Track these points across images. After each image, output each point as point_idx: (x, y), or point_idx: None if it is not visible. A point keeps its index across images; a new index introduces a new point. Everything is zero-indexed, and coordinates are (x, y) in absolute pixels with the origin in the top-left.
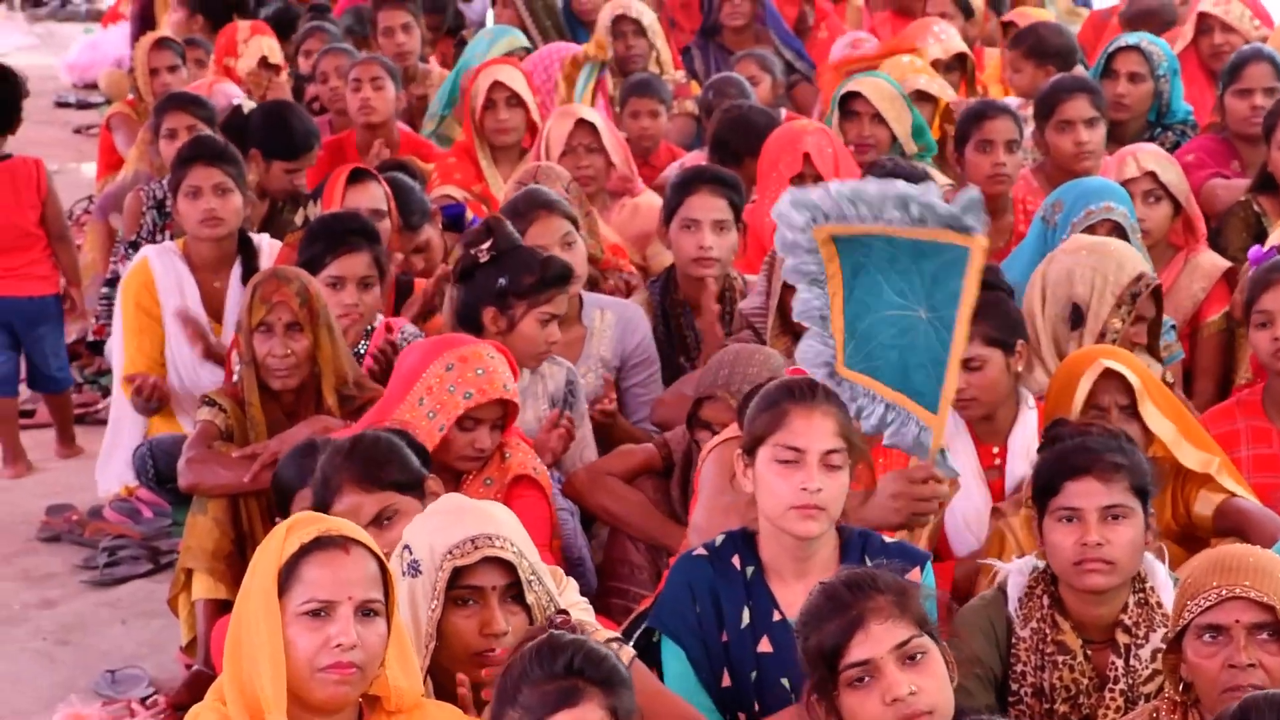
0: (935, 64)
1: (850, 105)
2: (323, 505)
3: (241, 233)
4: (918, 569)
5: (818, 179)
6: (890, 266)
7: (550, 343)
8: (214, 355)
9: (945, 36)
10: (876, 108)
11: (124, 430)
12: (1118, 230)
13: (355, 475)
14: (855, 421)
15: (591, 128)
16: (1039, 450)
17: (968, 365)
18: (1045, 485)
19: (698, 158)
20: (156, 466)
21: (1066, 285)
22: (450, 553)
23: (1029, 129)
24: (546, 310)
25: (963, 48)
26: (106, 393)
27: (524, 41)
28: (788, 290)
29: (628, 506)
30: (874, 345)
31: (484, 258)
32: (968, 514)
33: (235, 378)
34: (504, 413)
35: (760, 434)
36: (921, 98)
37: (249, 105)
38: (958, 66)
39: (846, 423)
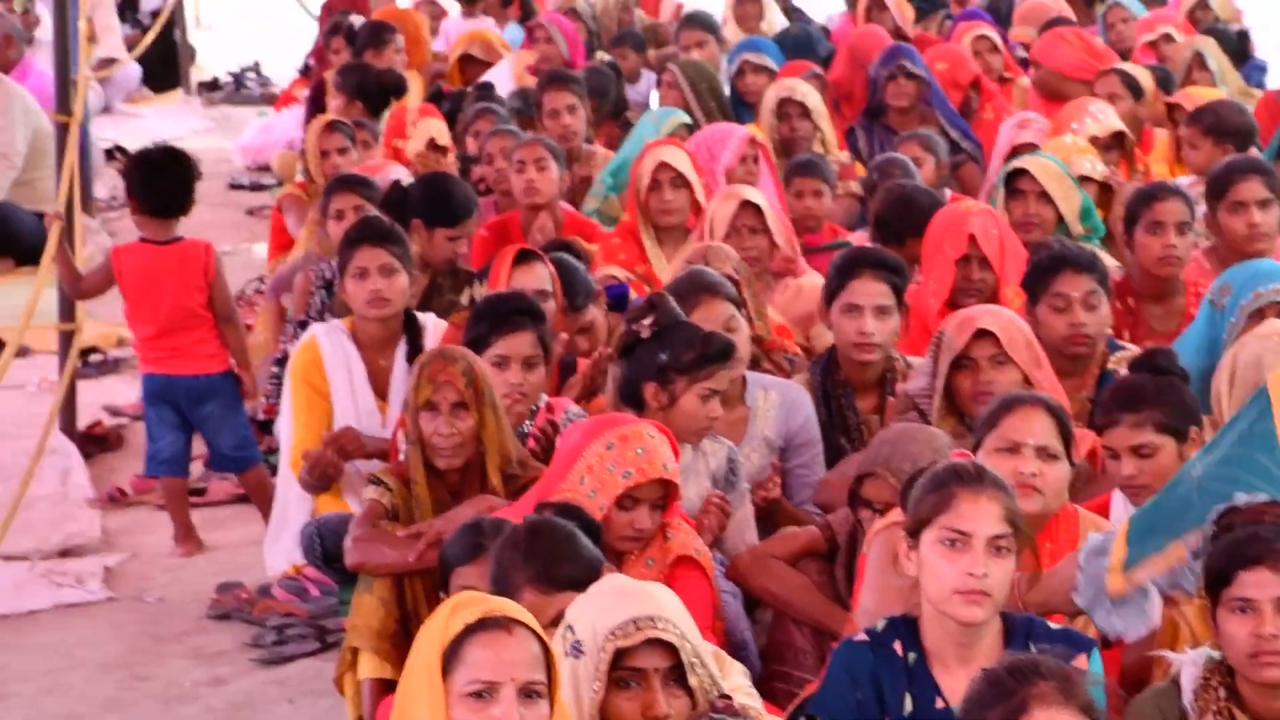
0: (1093, 142)
1: (1016, 184)
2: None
3: (407, 312)
4: (1084, 655)
5: (983, 261)
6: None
7: (712, 419)
8: (376, 454)
9: (1103, 116)
10: (1043, 186)
11: (292, 509)
12: None
13: (534, 576)
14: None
15: (756, 209)
16: (1214, 536)
17: (1139, 452)
18: (1218, 574)
19: (861, 238)
20: (324, 545)
21: (1256, 370)
22: (613, 634)
23: (1200, 209)
24: (708, 386)
25: (1120, 126)
26: (275, 471)
27: (687, 120)
28: (955, 371)
29: (792, 589)
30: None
31: (646, 333)
32: None
33: (401, 456)
34: (665, 493)
35: (925, 516)
36: (1086, 181)
37: (408, 179)
38: (1116, 146)
39: (1013, 507)
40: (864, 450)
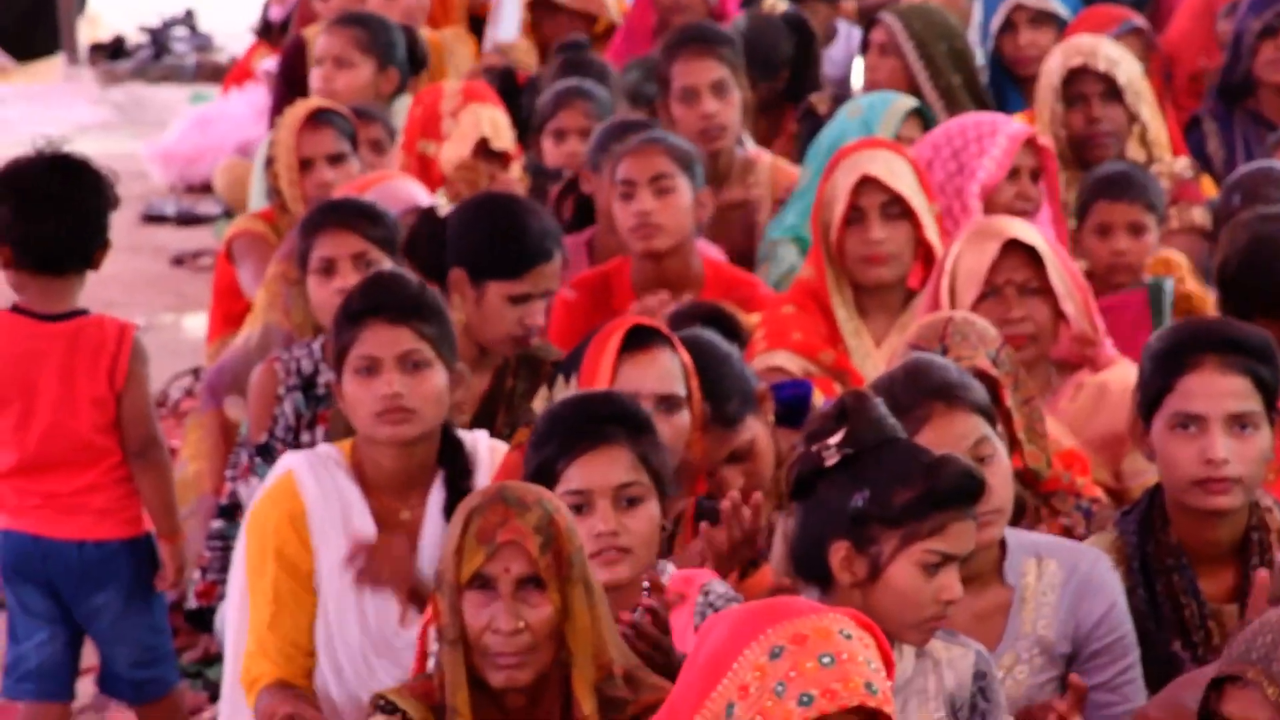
0: None
1: None
2: None
3: (446, 430)
4: None
5: None
6: None
7: (945, 603)
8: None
9: None
10: None
11: None
12: None
13: None
14: None
15: (1031, 256)
16: None
17: None
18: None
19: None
20: None
21: None
22: None
23: None
24: (937, 549)
25: None
26: (215, 695)
27: (914, 104)
28: None
29: None
30: None
31: (833, 459)
32: None
33: (430, 667)
34: None
35: None
36: None
37: (445, 206)
38: None
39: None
40: (1226, 648)
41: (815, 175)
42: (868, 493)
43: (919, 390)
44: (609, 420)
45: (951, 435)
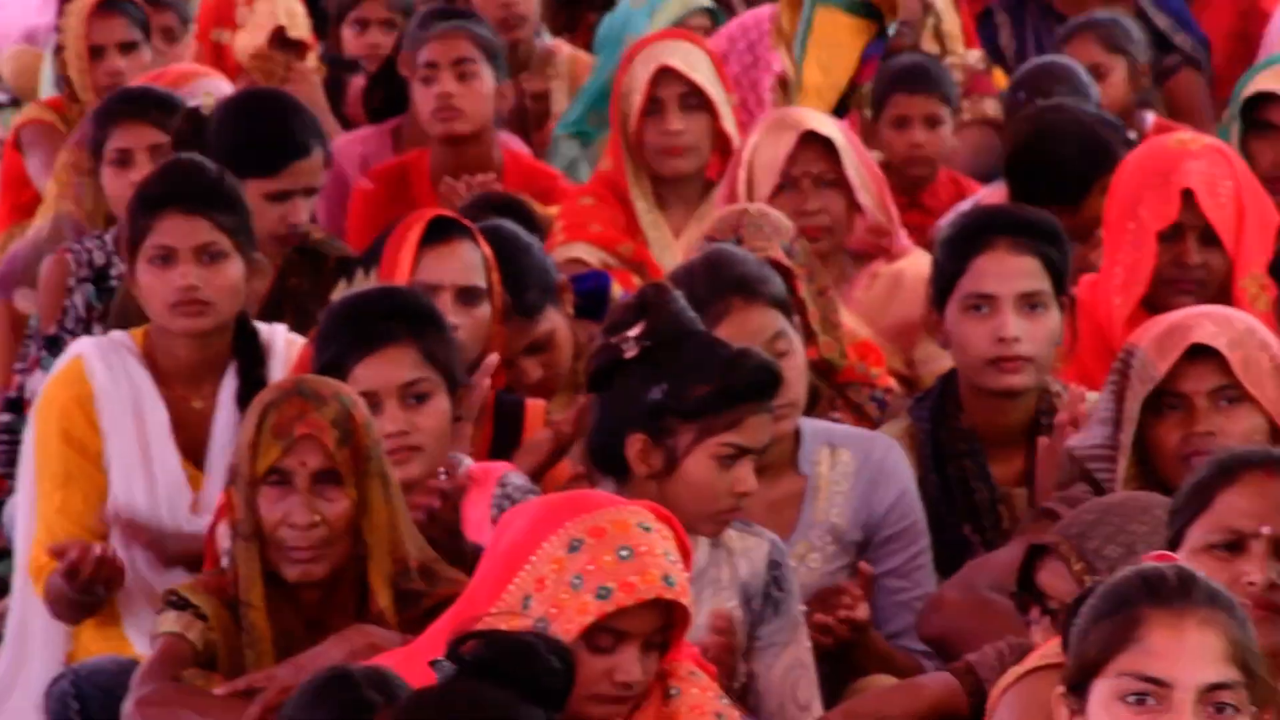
0: None
1: (1262, 112)
2: None
3: (241, 321)
4: None
5: (1205, 234)
6: None
7: (740, 495)
8: (180, 558)
9: None
10: None
11: (31, 649)
12: None
13: None
14: None
15: (825, 147)
16: None
17: None
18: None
19: (998, 194)
20: (86, 711)
21: None
22: None
23: None
24: (732, 441)
25: None
26: (5, 589)
27: (706, 1)
28: (1155, 415)
29: None
30: None
31: (632, 352)
32: None
33: (224, 562)
34: (666, 622)
35: (1097, 658)
36: None
37: (210, 104)
38: None
39: (1245, 641)
40: (1060, 525)
41: (604, 67)
42: (665, 386)
43: (717, 284)
44: (391, 317)
45: (749, 329)
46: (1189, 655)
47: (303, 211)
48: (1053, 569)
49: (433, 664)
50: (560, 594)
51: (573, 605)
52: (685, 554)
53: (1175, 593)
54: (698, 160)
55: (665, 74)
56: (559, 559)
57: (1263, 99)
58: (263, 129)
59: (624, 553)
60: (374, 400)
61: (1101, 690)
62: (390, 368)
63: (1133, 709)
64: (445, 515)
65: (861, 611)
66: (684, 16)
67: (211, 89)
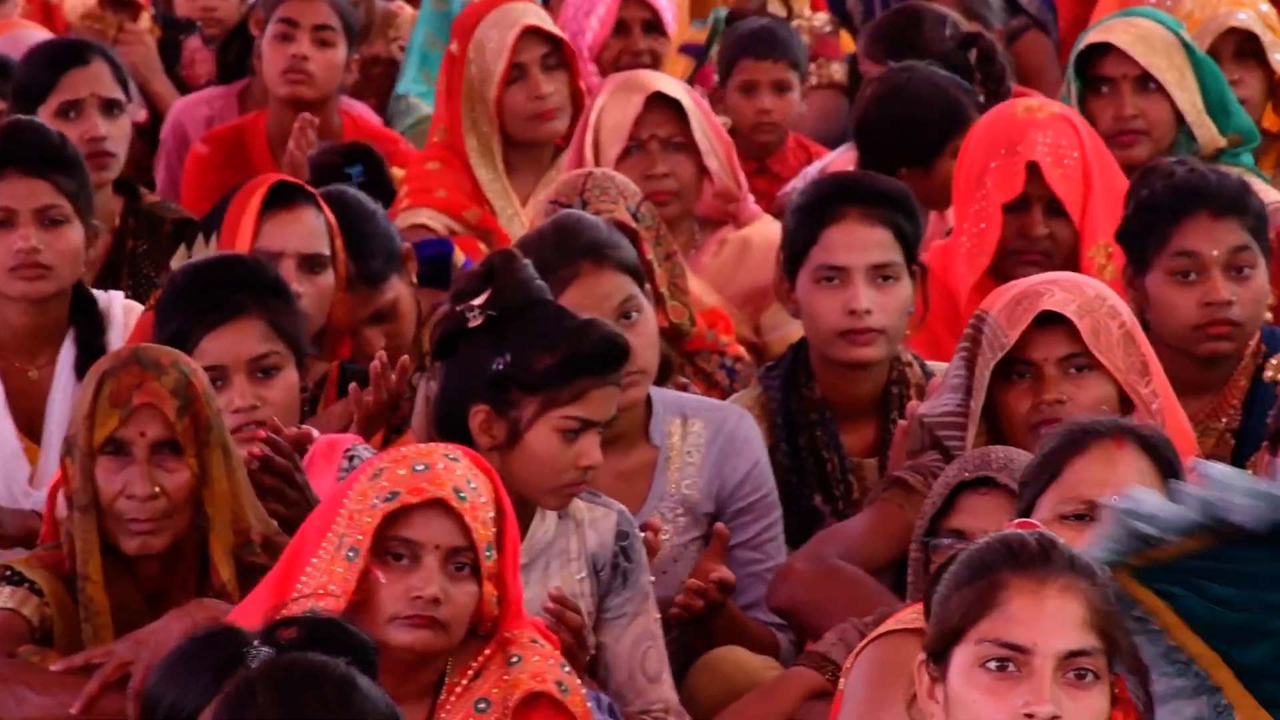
0: None
1: (1097, 68)
2: None
3: (78, 288)
4: None
5: (1052, 204)
6: None
7: (582, 467)
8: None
9: None
10: (1144, 67)
11: None
12: None
13: None
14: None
15: (674, 109)
16: None
17: None
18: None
19: (847, 159)
20: None
21: None
22: None
23: None
24: (574, 414)
25: None
26: None
27: None
28: (1004, 383)
29: None
30: (1266, 619)
31: (476, 320)
32: None
33: (62, 534)
34: (473, 559)
35: (958, 623)
36: (1245, 52)
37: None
38: None
39: (1105, 608)
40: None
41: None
42: (509, 356)
43: (566, 248)
44: (238, 289)
45: (599, 294)
46: (1049, 622)
47: (100, 125)
48: (981, 504)
49: (245, 651)
50: (362, 519)
51: (364, 515)
52: (505, 511)
53: (1036, 559)
54: (566, 120)
55: (529, 35)
56: (364, 490)
57: (1097, 53)
58: (40, 48)
59: (420, 467)
60: (221, 374)
61: (962, 657)
62: (239, 341)
63: (993, 675)
64: (280, 466)
65: (725, 571)
66: None
67: (29, 40)
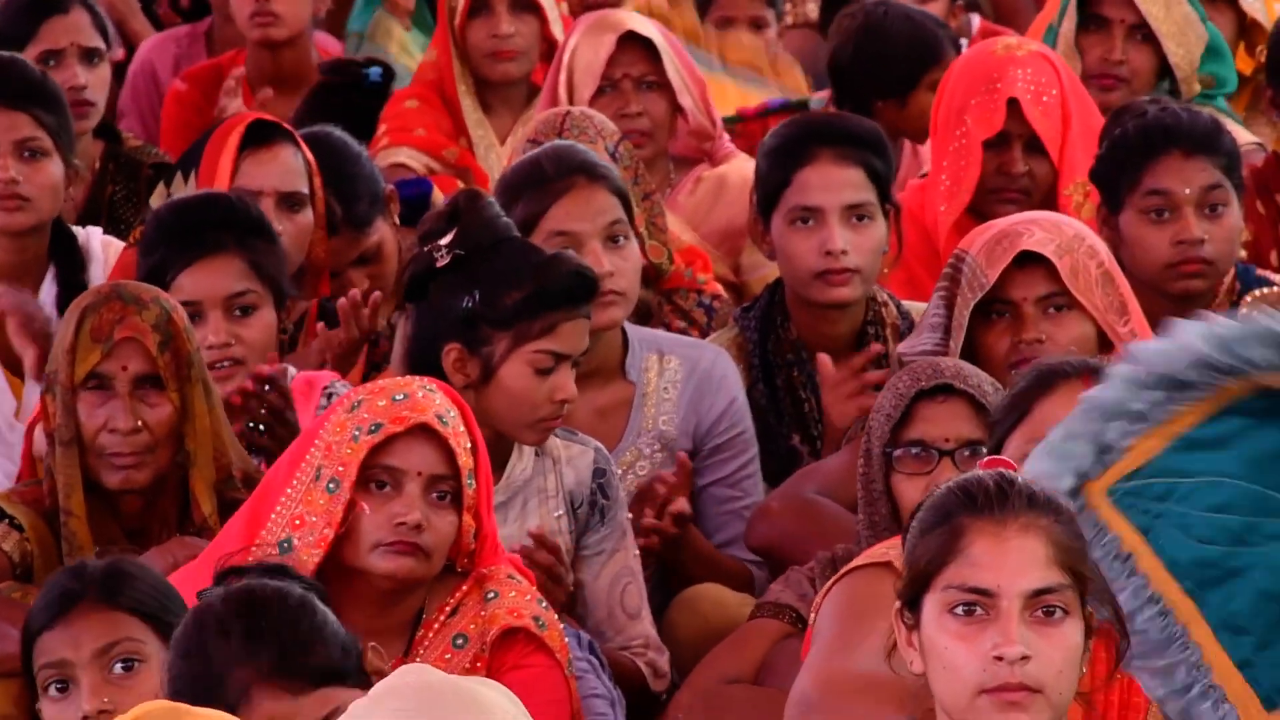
0: None
1: (1096, 7)
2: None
3: (58, 225)
4: None
5: (1031, 142)
6: None
7: (558, 401)
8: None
9: None
10: (1143, 13)
11: None
12: None
13: (269, 669)
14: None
15: (647, 48)
16: None
17: None
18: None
19: (824, 99)
20: None
21: None
22: None
23: None
24: (546, 348)
25: None
26: None
27: None
28: (984, 321)
29: None
30: (1231, 554)
31: (444, 260)
32: None
33: (43, 470)
34: (454, 487)
35: (925, 570)
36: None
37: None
38: None
39: (1071, 543)
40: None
41: None
42: (478, 294)
43: (563, 163)
44: (218, 226)
45: (591, 209)
46: (1011, 563)
47: (80, 74)
48: (942, 412)
49: (200, 594)
50: (342, 453)
51: (350, 456)
52: (478, 445)
53: (994, 501)
54: (527, 65)
55: None
56: (341, 423)
57: None
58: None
59: (400, 397)
60: (198, 310)
61: (931, 604)
62: (216, 278)
63: (961, 621)
64: (272, 400)
65: (681, 503)
66: None
67: None
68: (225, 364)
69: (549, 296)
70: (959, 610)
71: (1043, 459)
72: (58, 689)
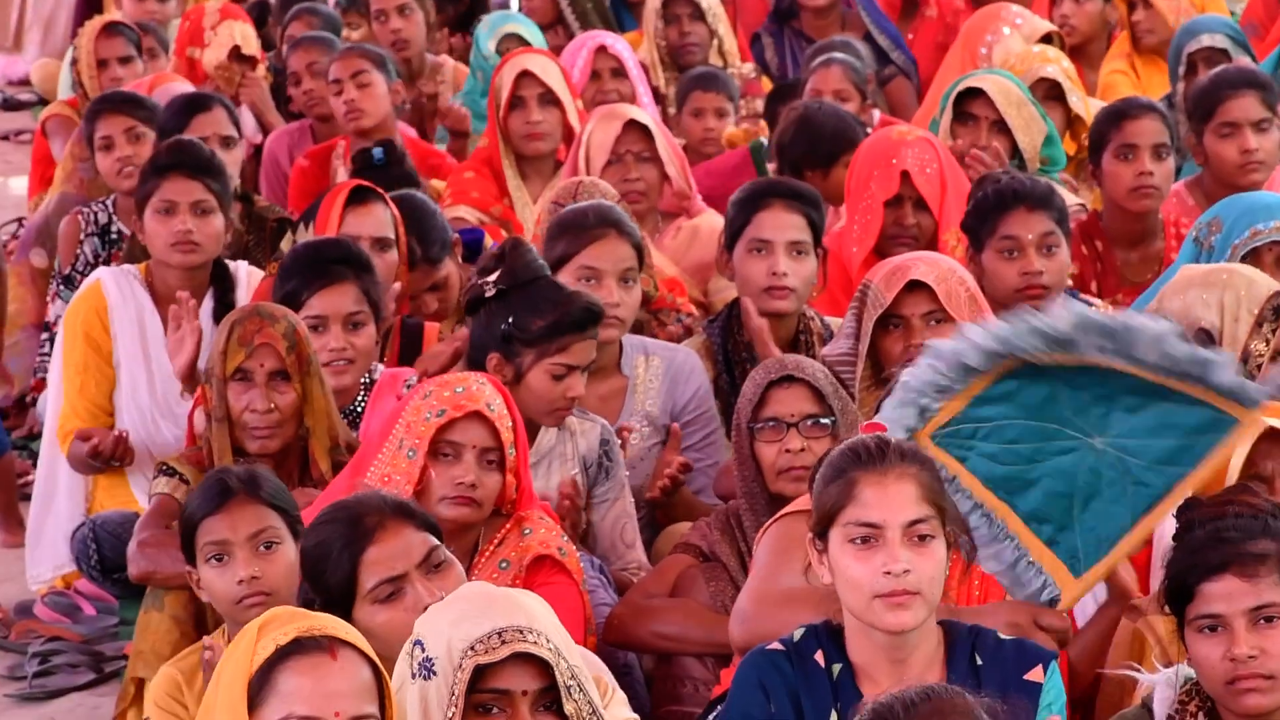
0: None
1: (967, 106)
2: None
3: (217, 261)
4: (1040, 668)
5: (918, 203)
6: (1093, 387)
7: (569, 398)
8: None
9: (1022, 20)
10: (1001, 113)
11: (58, 504)
12: None
13: (395, 507)
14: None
15: (643, 132)
16: (1174, 539)
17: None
18: (1179, 589)
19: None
20: (101, 551)
21: (1185, 316)
22: (473, 649)
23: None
24: (561, 361)
25: (1049, 27)
26: (35, 463)
27: (520, 29)
28: (883, 332)
29: (685, 620)
30: (1026, 470)
31: (490, 291)
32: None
33: (202, 439)
34: (499, 457)
35: (829, 511)
36: (1051, 96)
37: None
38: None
39: (933, 484)
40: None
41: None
42: (513, 319)
43: (602, 217)
44: (339, 261)
45: (615, 255)
46: (892, 502)
47: (220, 155)
48: (791, 394)
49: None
50: (419, 427)
51: (419, 426)
52: (516, 422)
53: (876, 456)
54: (553, 144)
55: (526, 78)
56: (417, 407)
57: (969, 95)
58: (177, 99)
59: (459, 389)
60: (322, 323)
61: (835, 537)
62: (338, 299)
63: (858, 548)
64: None
65: (683, 459)
66: (501, 43)
67: (174, 90)
68: (341, 363)
69: (565, 325)
70: (856, 540)
71: (883, 421)
72: (216, 560)
